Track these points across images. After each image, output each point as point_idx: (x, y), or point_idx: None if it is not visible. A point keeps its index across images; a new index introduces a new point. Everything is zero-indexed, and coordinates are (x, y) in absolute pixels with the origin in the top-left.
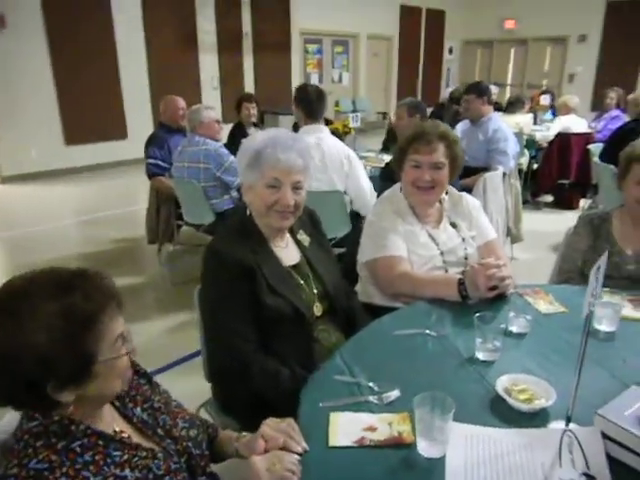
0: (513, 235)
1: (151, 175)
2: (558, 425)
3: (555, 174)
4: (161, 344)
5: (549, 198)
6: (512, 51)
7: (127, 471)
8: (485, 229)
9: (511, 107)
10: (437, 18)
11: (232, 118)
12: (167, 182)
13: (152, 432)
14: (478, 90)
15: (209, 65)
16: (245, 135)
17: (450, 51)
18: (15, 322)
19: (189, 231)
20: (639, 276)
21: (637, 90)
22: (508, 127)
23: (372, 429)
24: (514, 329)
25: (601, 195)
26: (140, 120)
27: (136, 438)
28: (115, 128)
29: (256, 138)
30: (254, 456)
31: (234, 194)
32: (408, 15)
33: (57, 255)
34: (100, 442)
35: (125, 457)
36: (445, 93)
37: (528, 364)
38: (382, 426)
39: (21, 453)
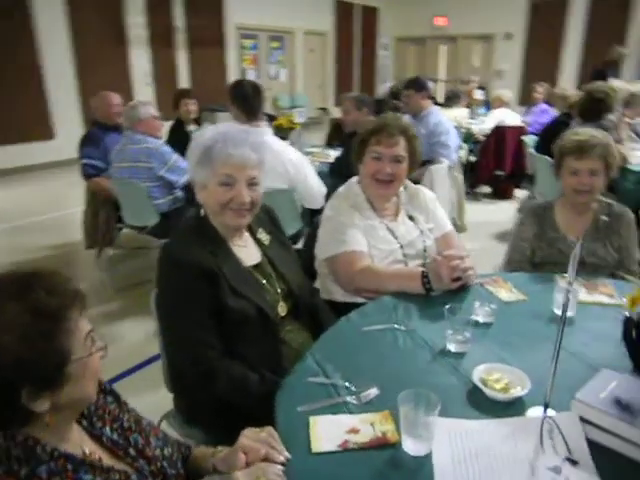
0: (457, 226)
1: (87, 176)
2: (536, 412)
3: (492, 166)
4: (110, 354)
5: (487, 189)
6: (443, 48)
7: None
8: (442, 221)
9: (449, 101)
10: (371, 14)
11: (168, 115)
12: (105, 183)
13: (124, 452)
14: (417, 85)
15: (141, 60)
16: (185, 132)
17: (384, 47)
18: None
19: (130, 234)
20: (583, 260)
21: (561, 85)
22: (448, 120)
23: (354, 431)
24: (480, 319)
25: (538, 185)
26: (68, 119)
27: (107, 460)
28: (40, 128)
29: (205, 134)
30: (236, 472)
31: (179, 194)
32: (342, 11)
33: None
34: (69, 466)
35: None
36: (383, 88)
37: (498, 353)
38: (364, 427)
39: None
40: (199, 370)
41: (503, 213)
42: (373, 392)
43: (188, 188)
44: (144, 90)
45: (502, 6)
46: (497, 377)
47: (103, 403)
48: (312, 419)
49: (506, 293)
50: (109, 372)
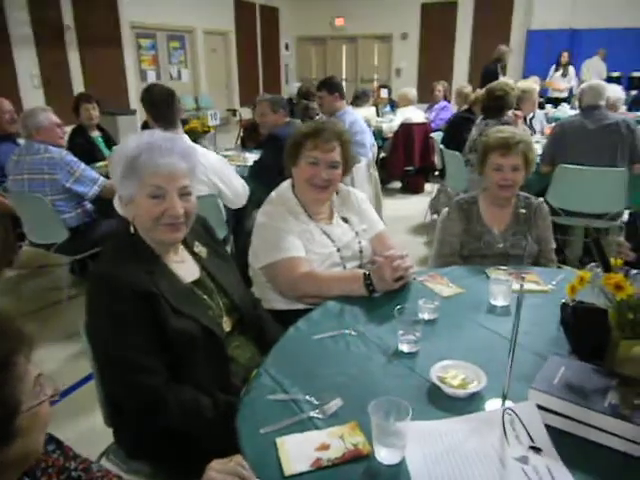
0: None
1: None
2: (494, 404)
3: (402, 162)
4: None
5: (398, 184)
6: (344, 48)
7: None
8: (374, 221)
9: (357, 100)
10: (271, 14)
11: (66, 121)
12: (2, 198)
13: None
14: (329, 86)
15: (26, 61)
16: (88, 139)
17: (286, 47)
18: None
19: (31, 251)
20: (508, 252)
21: (456, 82)
22: (362, 119)
23: (325, 447)
24: (426, 316)
25: (448, 178)
26: None
27: None
28: None
29: (128, 144)
30: None
31: (88, 206)
32: (243, 10)
33: None
34: None
35: None
36: (290, 88)
37: (447, 349)
38: (334, 441)
39: None
40: (142, 400)
41: (415, 207)
42: (337, 403)
43: (98, 200)
44: (33, 94)
45: (397, 7)
46: (453, 374)
47: (45, 453)
48: (279, 440)
49: (445, 288)
50: None
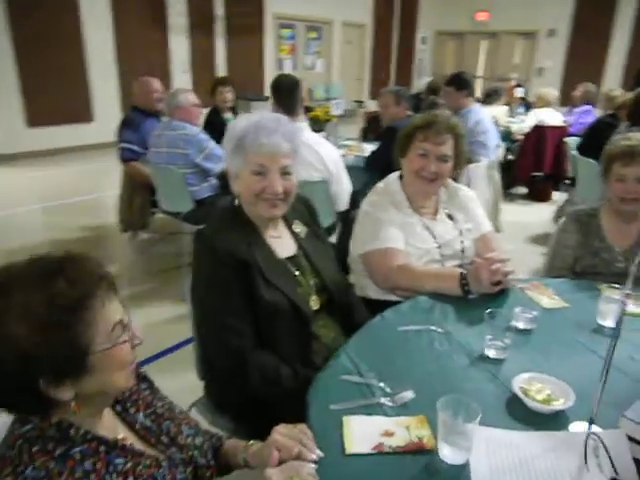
0: (493, 226)
1: (125, 160)
2: (580, 428)
3: (530, 166)
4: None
5: (523, 190)
6: (483, 44)
7: None
8: (481, 222)
9: (488, 99)
10: (411, 8)
11: (205, 102)
12: (142, 168)
13: (156, 439)
14: (458, 82)
15: (180, 47)
16: (222, 120)
17: (423, 41)
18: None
19: (164, 219)
20: (627, 273)
21: (605, 85)
22: (488, 119)
23: (389, 434)
24: (520, 325)
25: (579, 188)
26: (107, 103)
27: (139, 445)
28: (80, 110)
29: (239, 123)
30: (269, 469)
31: (213, 182)
32: (382, 4)
33: (23, 242)
34: (101, 448)
35: (128, 465)
36: (420, 83)
37: (539, 362)
38: (399, 430)
39: (15, 460)
40: (231, 359)
41: (539, 215)
42: (408, 395)
43: (223, 176)
44: (182, 77)
45: (546, 2)
46: (539, 388)
47: (137, 389)
48: (345, 419)
49: (547, 299)
50: (139, 354)
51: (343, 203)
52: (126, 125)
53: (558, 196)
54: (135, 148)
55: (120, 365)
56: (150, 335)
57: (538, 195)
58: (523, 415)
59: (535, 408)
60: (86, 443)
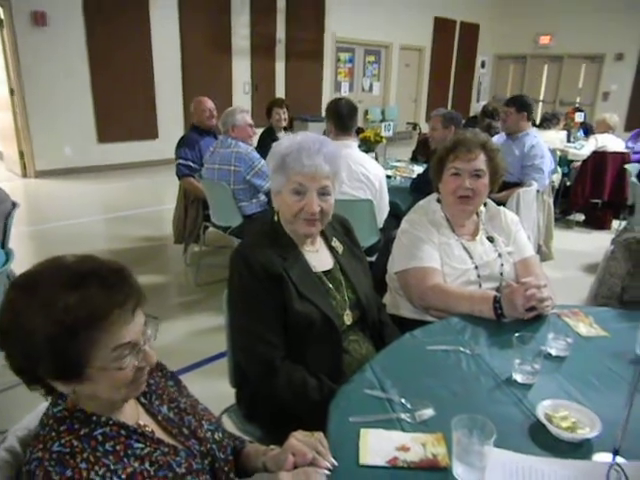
0: (543, 253)
1: (181, 176)
2: (603, 458)
3: (588, 193)
4: (184, 344)
5: (580, 217)
6: (545, 67)
7: (147, 465)
8: (523, 246)
9: (546, 123)
10: (471, 31)
11: (262, 123)
12: (196, 183)
13: (177, 431)
14: (519, 104)
15: (242, 69)
16: (275, 139)
17: (482, 65)
18: (24, 299)
19: (215, 233)
20: None
21: None
22: (544, 143)
23: (405, 449)
24: (553, 351)
25: (637, 216)
26: (171, 121)
27: (159, 434)
28: (147, 128)
29: (283, 142)
30: (282, 472)
31: (262, 198)
32: (442, 27)
33: (85, 250)
34: (122, 432)
35: (146, 450)
36: (477, 107)
37: (568, 389)
38: (415, 446)
39: (46, 437)
40: (260, 368)
41: (596, 244)
42: (428, 412)
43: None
44: (243, 98)
45: (614, 25)
46: (564, 415)
47: (164, 385)
48: (363, 431)
49: (585, 327)
50: (182, 360)
51: (382, 220)
52: (183, 143)
53: (618, 224)
54: (191, 164)
55: (115, 384)
56: (192, 343)
57: (596, 223)
58: (546, 442)
59: (559, 435)
60: (108, 426)
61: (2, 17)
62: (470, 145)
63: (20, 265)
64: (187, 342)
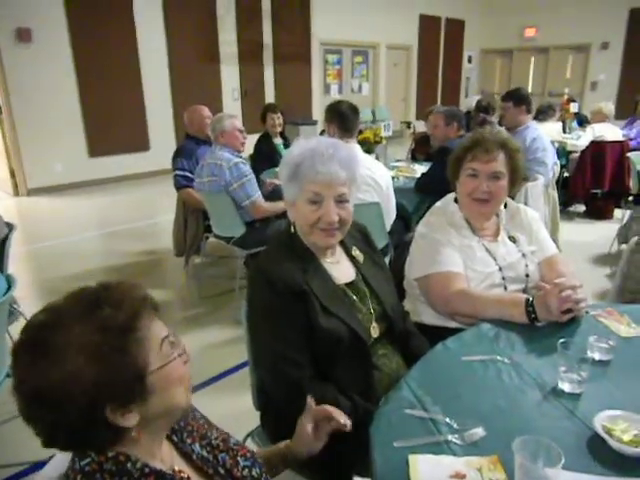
0: None
1: (179, 187)
2: None
3: (588, 183)
4: (194, 361)
5: (581, 207)
6: (532, 59)
7: None
8: (546, 244)
9: (542, 115)
10: (457, 27)
11: (254, 129)
12: (195, 194)
13: (213, 471)
14: (516, 98)
15: (230, 76)
16: (272, 145)
17: (469, 60)
18: (47, 356)
19: (215, 243)
20: None
21: None
22: (545, 136)
23: (460, 476)
24: (596, 356)
25: None
26: (162, 132)
27: (196, 478)
28: (138, 140)
29: (294, 150)
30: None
31: None
32: (428, 25)
33: (83, 268)
34: None
35: None
36: (469, 102)
37: (618, 397)
38: (471, 472)
39: None
40: (286, 391)
41: (599, 234)
42: (479, 432)
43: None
44: (232, 105)
45: (599, 14)
46: (624, 427)
47: (192, 418)
48: (412, 457)
49: (625, 327)
50: (194, 378)
51: (390, 222)
52: (180, 153)
53: (620, 214)
54: (189, 175)
55: (177, 381)
56: (204, 358)
57: (597, 213)
58: (607, 458)
59: (621, 450)
60: (143, 477)
61: None
62: (488, 145)
63: (19, 287)
64: (197, 359)
